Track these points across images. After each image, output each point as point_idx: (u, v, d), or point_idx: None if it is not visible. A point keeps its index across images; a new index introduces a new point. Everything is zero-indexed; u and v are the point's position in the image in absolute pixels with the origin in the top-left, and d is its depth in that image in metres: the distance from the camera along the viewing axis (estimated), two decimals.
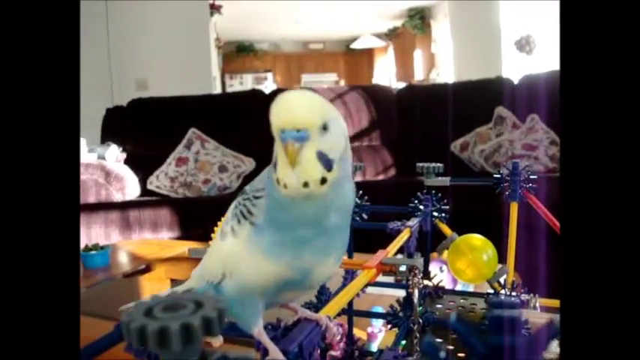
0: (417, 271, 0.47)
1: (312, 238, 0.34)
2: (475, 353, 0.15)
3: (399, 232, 0.60)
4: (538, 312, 0.61)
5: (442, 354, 0.15)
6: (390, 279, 0.82)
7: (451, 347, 0.55)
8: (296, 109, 0.32)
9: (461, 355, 0.54)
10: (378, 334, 0.95)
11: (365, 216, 0.70)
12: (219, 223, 0.45)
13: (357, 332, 0.64)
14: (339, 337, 0.38)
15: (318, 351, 0.38)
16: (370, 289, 0.48)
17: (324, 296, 0.59)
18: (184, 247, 1.65)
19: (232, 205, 0.39)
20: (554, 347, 0.34)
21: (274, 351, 0.31)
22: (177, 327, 0.17)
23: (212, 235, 0.44)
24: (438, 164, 0.71)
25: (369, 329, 0.96)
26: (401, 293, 0.64)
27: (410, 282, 0.48)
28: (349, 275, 0.63)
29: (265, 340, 0.34)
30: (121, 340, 0.34)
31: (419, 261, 0.48)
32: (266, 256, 0.34)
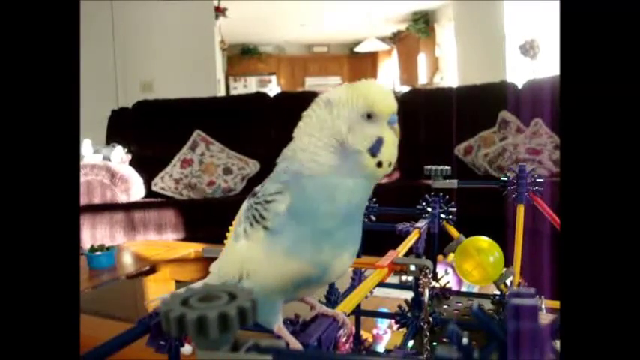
0: (427, 271, 0.48)
1: (333, 230, 0.35)
2: (495, 339, 0.17)
3: (408, 233, 0.61)
4: (544, 313, 0.61)
5: (465, 340, 0.16)
6: (395, 280, 0.83)
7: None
8: (392, 95, 0.38)
9: None
10: (384, 336, 0.96)
11: (373, 217, 0.71)
12: (233, 223, 0.46)
13: (363, 334, 0.65)
14: (345, 338, 0.39)
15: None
16: (375, 291, 0.49)
17: (333, 296, 0.60)
18: (189, 248, 1.66)
19: (244, 207, 0.40)
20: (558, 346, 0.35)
21: (295, 344, 0.32)
22: (214, 316, 0.19)
23: (227, 234, 0.45)
24: (446, 167, 0.71)
25: (375, 331, 0.97)
26: (406, 295, 0.65)
27: (420, 282, 0.49)
28: (357, 275, 0.64)
29: (285, 334, 0.35)
30: (142, 335, 0.35)
31: (429, 261, 0.49)
32: (286, 256, 0.35)
